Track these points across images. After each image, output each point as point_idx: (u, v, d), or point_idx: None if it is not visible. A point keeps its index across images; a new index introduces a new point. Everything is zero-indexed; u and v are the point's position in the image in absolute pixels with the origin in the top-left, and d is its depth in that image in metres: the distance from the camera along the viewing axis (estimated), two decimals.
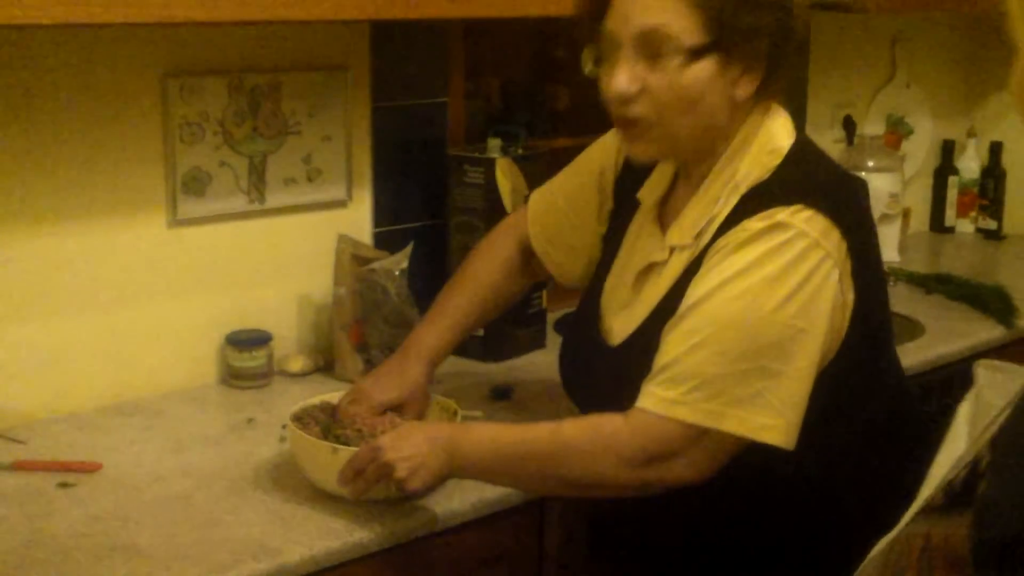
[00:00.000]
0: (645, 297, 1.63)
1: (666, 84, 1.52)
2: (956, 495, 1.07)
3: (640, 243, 1.68)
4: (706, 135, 1.57)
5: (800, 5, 1.56)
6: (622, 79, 1.52)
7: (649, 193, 1.70)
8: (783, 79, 1.58)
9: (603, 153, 1.83)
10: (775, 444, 1.47)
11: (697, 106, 1.53)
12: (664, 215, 1.67)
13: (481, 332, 2.20)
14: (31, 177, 1.94)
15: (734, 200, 1.55)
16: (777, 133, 1.58)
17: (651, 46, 1.51)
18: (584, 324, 1.74)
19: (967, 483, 1.05)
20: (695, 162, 1.61)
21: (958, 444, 1.17)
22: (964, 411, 1.23)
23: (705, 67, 1.51)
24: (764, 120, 1.59)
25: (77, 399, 2.03)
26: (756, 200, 1.52)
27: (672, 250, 1.61)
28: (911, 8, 3.02)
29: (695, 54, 1.50)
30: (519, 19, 2.07)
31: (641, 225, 1.70)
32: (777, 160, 1.56)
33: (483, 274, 1.92)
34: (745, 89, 1.55)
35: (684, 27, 1.50)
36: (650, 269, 1.64)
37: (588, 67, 1.59)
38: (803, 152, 1.59)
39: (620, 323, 1.66)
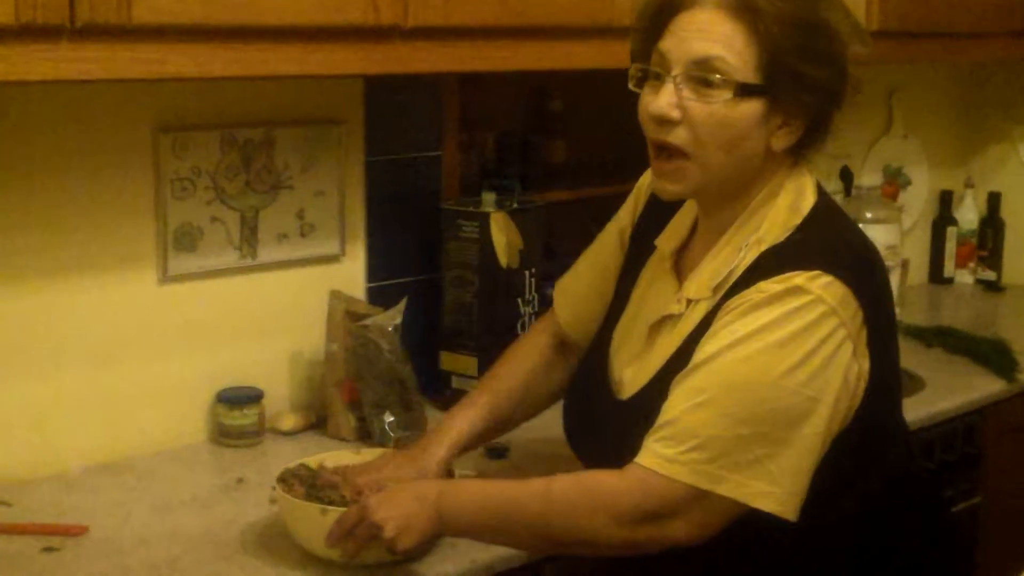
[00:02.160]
0: (658, 349, 1.59)
1: (708, 115, 1.49)
2: None
3: (654, 292, 1.66)
4: (736, 179, 1.54)
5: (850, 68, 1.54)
6: (665, 102, 1.50)
7: (667, 241, 1.67)
8: (821, 139, 1.56)
9: (623, 215, 1.81)
10: (771, 512, 1.43)
11: (734, 146, 1.50)
12: (681, 266, 1.64)
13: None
14: (20, 232, 1.92)
15: (752, 257, 1.52)
16: (801, 192, 1.56)
17: (703, 75, 1.49)
18: (592, 375, 1.71)
19: None
20: (717, 209, 1.58)
21: None
22: None
23: (751, 108, 1.49)
24: (790, 177, 1.56)
25: (65, 459, 1.99)
26: (774, 260, 1.49)
27: (689, 302, 1.58)
28: (907, 60, 3.03)
29: (745, 91, 1.48)
30: (513, 72, 2.06)
31: (655, 274, 1.67)
32: (798, 220, 1.53)
33: (512, 369, 1.87)
34: (782, 141, 1.53)
35: (741, 63, 1.48)
36: (664, 321, 1.60)
37: (632, 83, 1.57)
38: (826, 214, 1.57)
39: (631, 375, 1.62)
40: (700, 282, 1.57)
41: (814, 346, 1.43)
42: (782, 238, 1.52)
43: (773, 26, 1.47)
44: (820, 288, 1.45)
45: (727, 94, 1.47)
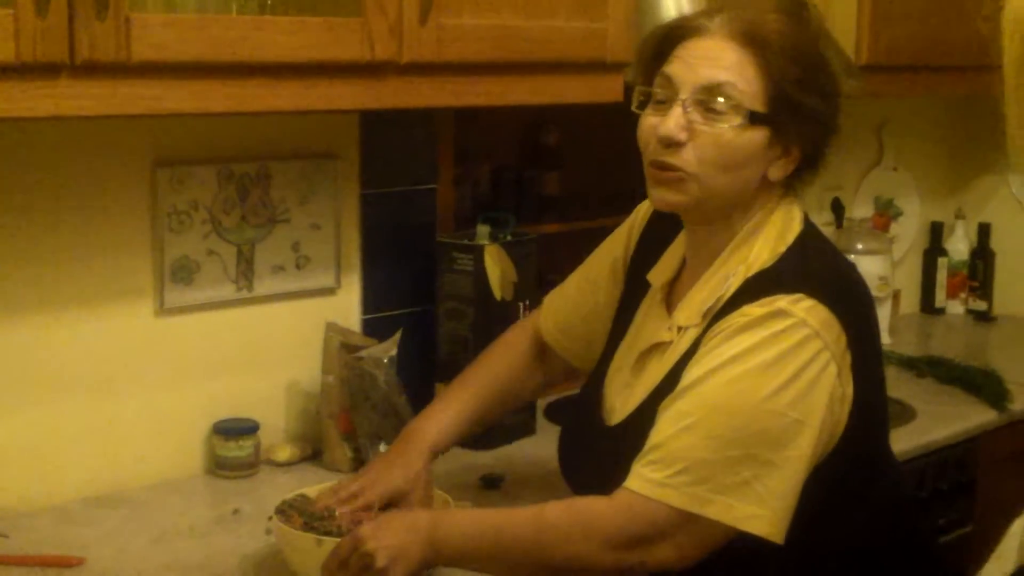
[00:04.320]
0: (647, 377, 1.62)
1: (714, 139, 1.52)
2: None
3: (647, 324, 1.68)
4: (730, 203, 1.57)
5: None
6: (673, 124, 1.53)
7: (659, 275, 1.70)
8: (814, 172, 1.60)
9: (616, 244, 1.84)
10: (760, 535, 1.45)
11: (736, 171, 1.54)
12: (671, 297, 1.67)
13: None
14: (19, 264, 1.94)
15: (739, 283, 1.55)
16: (789, 221, 1.59)
17: (710, 100, 1.52)
18: (586, 406, 1.73)
19: None
20: (707, 235, 1.61)
21: (1007, 559, 1.12)
22: (1017, 527, 1.18)
23: (756, 136, 1.53)
24: (780, 207, 1.60)
25: (61, 490, 2.00)
26: (759, 285, 1.52)
27: (679, 330, 1.60)
28: (896, 95, 3.06)
29: (754, 119, 1.52)
30: (507, 107, 2.08)
31: (649, 307, 1.70)
32: (783, 247, 1.56)
33: (489, 368, 1.91)
34: (779, 171, 1.57)
35: (748, 91, 1.52)
36: (654, 349, 1.63)
37: (634, 105, 1.60)
38: (810, 241, 1.59)
39: (620, 403, 1.65)
40: (690, 309, 1.59)
41: (798, 368, 1.45)
42: (768, 264, 1.55)
43: (779, 58, 1.52)
44: (803, 311, 1.47)
45: (736, 120, 1.51)
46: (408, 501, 1.76)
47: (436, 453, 1.84)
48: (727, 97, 1.52)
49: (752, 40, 1.53)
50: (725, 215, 1.58)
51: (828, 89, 1.56)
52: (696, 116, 1.52)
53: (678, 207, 1.60)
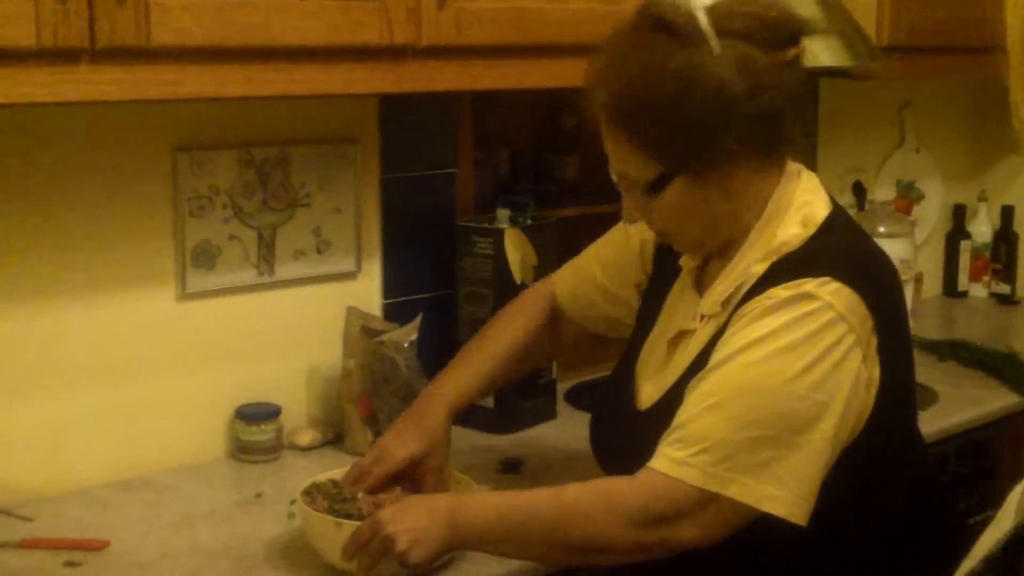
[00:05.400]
0: (676, 362, 1.62)
1: (657, 212, 1.57)
2: (999, 569, 1.04)
3: (677, 307, 1.69)
4: (727, 224, 1.58)
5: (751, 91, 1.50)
6: (625, 212, 1.61)
7: (689, 259, 1.70)
8: (777, 143, 1.56)
9: (644, 227, 1.84)
10: (780, 515, 1.45)
11: (696, 216, 1.56)
12: (702, 281, 1.67)
13: (491, 402, 2.19)
14: (40, 251, 1.95)
15: (765, 267, 1.54)
16: (813, 202, 1.58)
17: (625, 186, 1.58)
18: (617, 390, 1.74)
19: (1010, 558, 1.03)
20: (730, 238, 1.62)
21: (1006, 522, 1.13)
22: (1017, 492, 1.19)
23: (677, 188, 1.54)
24: (798, 186, 1.59)
25: (85, 475, 2.01)
26: (785, 268, 1.52)
27: (702, 318, 1.60)
28: (918, 76, 3.04)
29: (658, 185, 1.54)
30: (527, 90, 2.08)
31: (681, 291, 1.70)
32: (811, 230, 1.55)
33: (504, 331, 1.92)
34: (742, 180, 1.54)
35: (639, 166, 1.54)
36: (681, 336, 1.64)
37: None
38: (837, 224, 1.59)
39: (650, 388, 1.65)
40: (714, 297, 1.59)
41: (822, 351, 1.45)
42: (796, 247, 1.54)
43: (642, 120, 1.51)
44: (829, 294, 1.47)
45: (651, 192, 1.55)
46: (425, 467, 1.77)
47: (454, 414, 1.84)
48: (629, 182, 1.57)
49: (617, 116, 1.53)
50: (729, 227, 1.58)
51: (707, 109, 1.48)
52: (634, 195, 1.57)
53: (697, 255, 1.65)
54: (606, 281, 1.86)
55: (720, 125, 1.50)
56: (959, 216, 3.49)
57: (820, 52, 2.17)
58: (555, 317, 1.92)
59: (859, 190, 3.16)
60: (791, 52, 1.52)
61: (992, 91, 3.71)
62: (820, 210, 1.58)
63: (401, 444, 1.77)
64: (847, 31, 2.22)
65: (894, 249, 2.96)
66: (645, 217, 1.59)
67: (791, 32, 1.53)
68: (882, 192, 3.34)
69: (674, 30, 1.49)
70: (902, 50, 2.64)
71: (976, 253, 3.48)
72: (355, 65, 1.81)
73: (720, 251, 1.62)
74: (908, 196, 3.41)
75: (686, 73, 1.48)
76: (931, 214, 3.47)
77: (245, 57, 1.69)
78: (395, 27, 1.81)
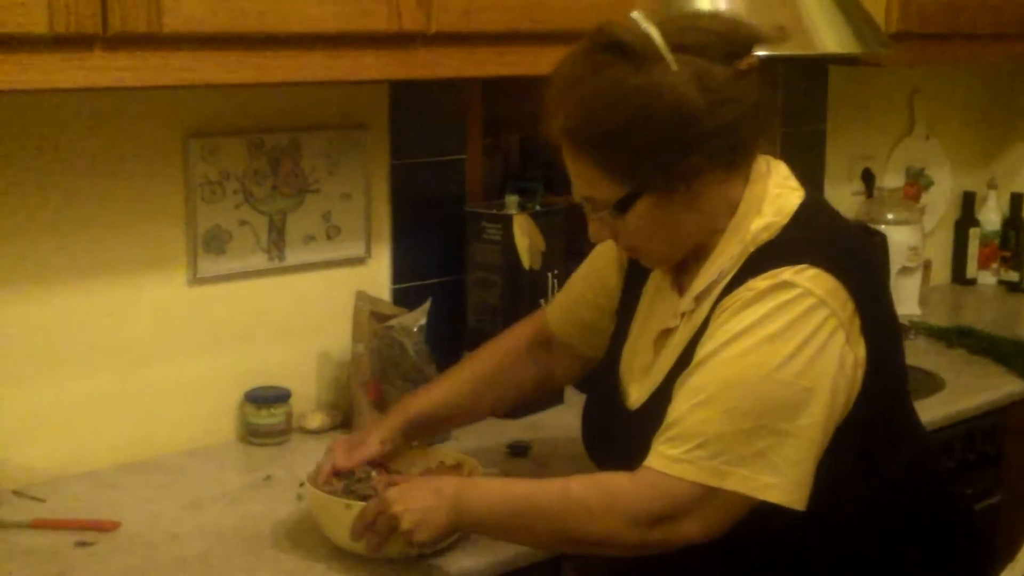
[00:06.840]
0: (662, 360, 1.63)
1: (624, 231, 1.58)
2: None
3: (657, 306, 1.69)
4: (696, 234, 1.58)
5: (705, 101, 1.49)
6: (594, 230, 1.61)
7: None
8: (741, 154, 1.55)
9: None
10: (779, 503, 1.46)
11: (665, 230, 1.57)
12: (681, 279, 1.67)
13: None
14: (53, 235, 1.97)
15: (742, 260, 1.55)
16: (784, 192, 1.59)
17: (591, 208, 1.58)
18: (604, 388, 1.75)
19: None
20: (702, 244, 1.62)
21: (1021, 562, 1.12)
22: None
23: (644, 205, 1.54)
24: (768, 181, 1.59)
25: (96, 457, 2.04)
26: (762, 259, 1.53)
27: (683, 315, 1.61)
28: (927, 63, 3.03)
29: (624, 205, 1.54)
30: (535, 76, 2.09)
31: (657, 288, 1.70)
32: (784, 220, 1.56)
33: (489, 354, 1.93)
34: (708, 191, 1.54)
35: (604, 188, 1.54)
36: (665, 334, 1.65)
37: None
38: (811, 210, 1.59)
39: (638, 387, 1.66)
40: (692, 294, 1.60)
41: (805, 337, 1.46)
42: (771, 238, 1.55)
43: (605, 143, 1.51)
44: (807, 280, 1.48)
45: (617, 213, 1.55)
46: (387, 458, 1.80)
47: (412, 419, 1.85)
48: (595, 203, 1.57)
49: (579, 140, 1.53)
50: (700, 233, 1.58)
51: (667, 129, 1.48)
52: (600, 215, 1.57)
53: (667, 266, 1.66)
54: (591, 295, 1.86)
55: (683, 142, 1.49)
56: (968, 203, 3.49)
57: (829, 39, 2.17)
58: (546, 342, 1.92)
59: (868, 177, 3.16)
60: (746, 62, 1.52)
61: (1002, 78, 3.72)
62: (792, 199, 1.59)
63: (349, 442, 1.81)
64: (855, 18, 2.23)
65: (902, 236, 2.98)
66: (613, 235, 1.60)
67: (745, 42, 1.53)
68: (891, 179, 3.34)
69: (629, 51, 1.49)
70: (912, 37, 2.64)
71: (985, 240, 3.47)
72: (364, 52, 1.82)
73: (695, 254, 1.62)
74: (917, 183, 3.41)
75: (645, 93, 1.48)
76: (940, 201, 3.47)
77: (255, 44, 1.70)
78: (404, 14, 1.82)
